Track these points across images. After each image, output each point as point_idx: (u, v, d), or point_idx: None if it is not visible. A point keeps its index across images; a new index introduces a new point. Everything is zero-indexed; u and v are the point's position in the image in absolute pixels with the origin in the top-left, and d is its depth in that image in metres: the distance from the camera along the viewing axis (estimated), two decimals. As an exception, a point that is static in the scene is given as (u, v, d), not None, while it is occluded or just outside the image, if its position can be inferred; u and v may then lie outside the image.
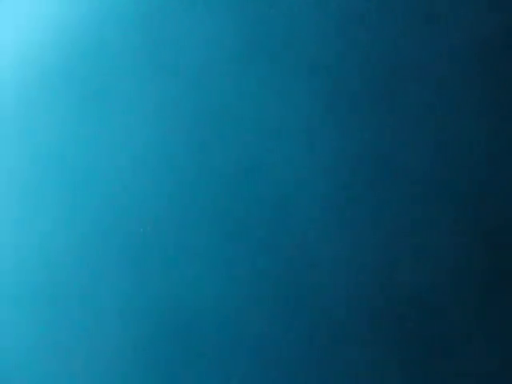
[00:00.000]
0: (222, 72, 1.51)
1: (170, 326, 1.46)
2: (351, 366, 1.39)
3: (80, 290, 1.51)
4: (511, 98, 1.40)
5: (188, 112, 1.51)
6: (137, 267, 1.49)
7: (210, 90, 1.51)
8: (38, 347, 1.51)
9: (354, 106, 1.45)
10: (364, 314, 1.40)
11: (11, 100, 1.60)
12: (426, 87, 1.43)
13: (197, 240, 1.47)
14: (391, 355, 1.38)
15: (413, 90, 1.43)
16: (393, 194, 1.41)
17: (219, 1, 1.53)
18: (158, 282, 1.48)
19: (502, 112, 1.40)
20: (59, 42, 1.59)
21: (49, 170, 1.55)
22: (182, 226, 1.49)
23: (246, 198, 1.46)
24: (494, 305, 1.35)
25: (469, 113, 1.41)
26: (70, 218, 1.53)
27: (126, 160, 1.52)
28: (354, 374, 1.39)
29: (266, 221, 1.45)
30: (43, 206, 1.54)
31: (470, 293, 1.36)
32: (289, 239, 1.44)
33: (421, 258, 1.39)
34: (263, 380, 1.42)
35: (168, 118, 1.52)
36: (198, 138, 1.50)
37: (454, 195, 1.39)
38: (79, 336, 1.50)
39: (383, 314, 1.39)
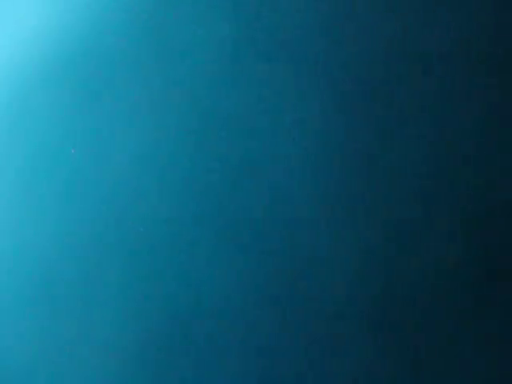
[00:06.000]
0: (219, 71, 1.51)
1: (170, 325, 1.46)
2: (349, 365, 1.39)
3: (79, 290, 1.51)
4: (510, 98, 1.40)
5: (186, 112, 1.52)
6: (136, 267, 1.49)
7: (208, 90, 1.51)
8: (38, 347, 1.51)
9: (350, 105, 1.45)
10: (362, 313, 1.40)
11: (9, 101, 1.60)
12: (425, 87, 1.43)
13: (195, 239, 1.48)
14: (389, 354, 1.38)
15: (412, 89, 1.43)
16: (391, 193, 1.42)
17: (218, 2, 1.53)
18: (158, 281, 1.48)
19: (501, 111, 1.40)
20: (58, 42, 1.59)
21: (48, 171, 1.55)
22: (180, 226, 1.49)
23: (244, 197, 1.47)
24: (492, 304, 1.35)
25: (468, 112, 1.41)
26: (69, 217, 1.53)
27: (124, 160, 1.53)
28: (351, 372, 1.39)
29: (264, 220, 1.45)
30: (42, 206, 1.55)
31: (468, 292, 1.37)
32: (286, 239, 1.44)
33: (418, 257, 1.39)
34: (261, 378, 1.42)
35: (166, 118, 1.52)
36: (195, 138, 1.50)
37: (452, 195, 1.40)
38: (79, 335, 1.50)
39: (381, 313, 1.39)
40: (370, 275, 1.40)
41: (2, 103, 1.60)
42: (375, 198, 1.42)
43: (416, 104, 1.43)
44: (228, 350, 1.44)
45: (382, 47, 1.45)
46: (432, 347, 1.37)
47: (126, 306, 1.49)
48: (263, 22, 1.50)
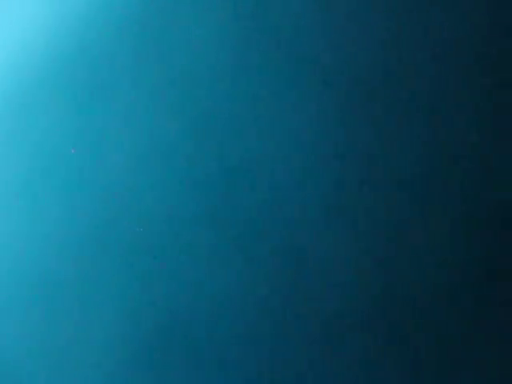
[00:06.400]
0: (219, 71, 1.51)
1: (170, 325, 1.46)
2: (349, 365, 1.39)
3: (78, 290, 1.51)
4: (508, 97, 1.40)
5: (186, 112, 1.51)
6: (135, 267, 1.49)
7: (208, 90, 1.51)
8: (37, 347, 1.51)
9: (350, 105, 1.45)
10: (362, 313, 1.40)
11: (8, 100, 1.59)
12: (425, 87, 1.43)
13: (195, 240, 1.47)
14: (389, 354, 1.38)
15: (412, 89, 1.44)
16: (391, 193, 1.42)
17: (217, 2, 1.53)
18: (157, 281, 1.48)
19: (499, 111, 1.40)
20: (57, 42, 1.58)
21: (47, 171, 1.55)
22: (179, 226, 1.49)
23: (244, 197, 1.47)
24: (491, 304, 1.36)
25: (468, 112, 1.41)
26: (68, 217, 1.53)
27: (123, 160, 1.52)
28: (351, 372, 1.39)
29: (264, 220, 1.45)
30: (41, 206, 1.54)
31: (468, 292, 1.37)
32: (286, 239, 1.44)
33: (418, 257, 1.39)
34: (261, 378, 1.42)
35: (166, 118, 1.52)
36: (195, 138, 1.50)
37: (452, 195, 1.40)
38: (78, 335, 1.49)
39: (381, 313, 1.39)
40: (370, 275, 1.40)
41: (1, 103, 1.60)
42: (375, 198, 1.42)
43: (416, 104, 1.43)
44: (228, 350, 1.43)
45: (381, 48, 1.45)
46: (432, 347, 1.37)
47: (125, 305, 1.48)
48: (263, 22, 1.50)
